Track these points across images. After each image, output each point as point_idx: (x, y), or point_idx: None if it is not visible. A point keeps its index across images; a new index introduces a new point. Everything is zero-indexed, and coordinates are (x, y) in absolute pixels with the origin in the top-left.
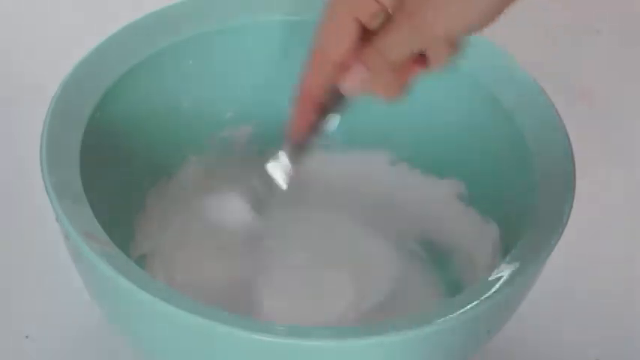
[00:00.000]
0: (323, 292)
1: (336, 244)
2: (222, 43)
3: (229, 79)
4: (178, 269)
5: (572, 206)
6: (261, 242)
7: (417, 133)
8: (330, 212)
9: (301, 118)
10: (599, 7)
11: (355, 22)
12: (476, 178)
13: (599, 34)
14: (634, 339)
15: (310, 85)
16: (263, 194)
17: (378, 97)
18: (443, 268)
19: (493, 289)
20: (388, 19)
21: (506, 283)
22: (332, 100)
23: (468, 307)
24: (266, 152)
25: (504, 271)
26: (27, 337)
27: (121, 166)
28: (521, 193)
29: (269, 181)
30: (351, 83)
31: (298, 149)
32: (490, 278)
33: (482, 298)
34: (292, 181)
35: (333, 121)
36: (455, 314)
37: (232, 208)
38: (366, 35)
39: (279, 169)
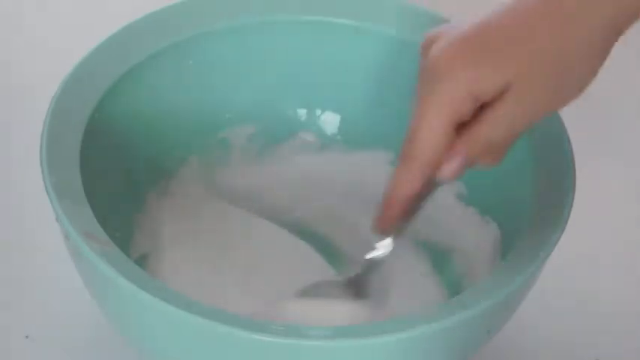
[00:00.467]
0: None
1: (336, 242)
2: (222, 43)
3: (229, 79)
4: (178, 269)
5: (572, 206)
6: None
7: None
8: (330, 212)
9: (390, 218)
10: None
11: (451, 124)
12: (475, 178)
13: None
14: (634, 339)
15: (405, 193)
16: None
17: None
18: (443, 268)
19: (493, 289)
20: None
21: (506, 283)
22: (422, 194)
23: (468, 307)
24: (266, 152)
25: (504, 271)
26: (27, 337)
27: (121, 166)
28: (520, 193)
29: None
30: (450, 174)
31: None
32: (490, 278)
33: (482, 298)
34: (292, 181)
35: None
36: (455, 314)
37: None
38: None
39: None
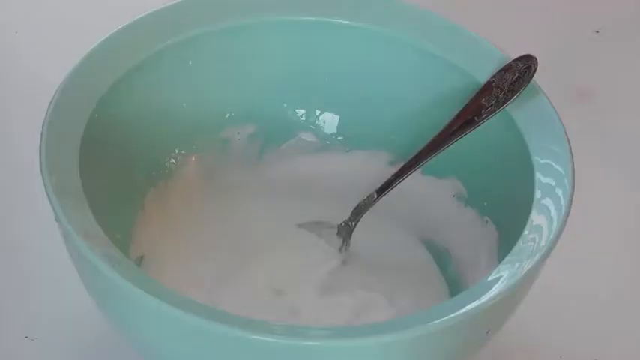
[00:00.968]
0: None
1: (335, 242)
2: (222, 43)
3: (229, 79)
4: (178, 269)
5: (570, 206)
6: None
7: (416, 134)
8: (330, 212)
9: None
10: (599, 7)
11: None
12: (475, 178)
13: (598, 34)
14: (634, 339)
15: None
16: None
17: None
18: (442, 268)
19: (492, 289)
20: None
21: (505, 283)
22: None
23: (468, 307)
24: (266, 152)
25: (503, 271)
26: (26, 337)
27: (121, 167)
28: (519, 194)
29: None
30: None
31: None
32: (489, 278)
33: (482, 298)
34: (292, 181)
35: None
36: (455, 314)
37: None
38: None
39: None
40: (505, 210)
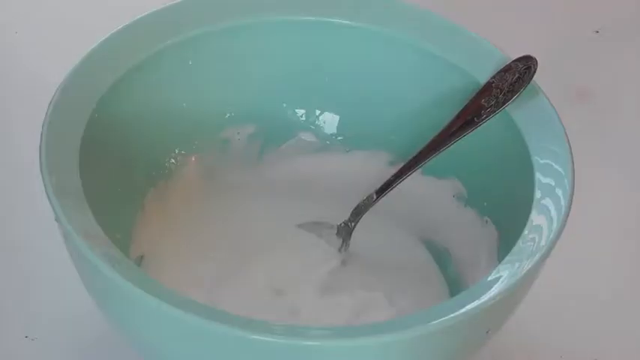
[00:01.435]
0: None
1: (335, 243)
2: (222, 43)
3: (229, 79)
4: (178, 269)
5: (570, 206)
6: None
7: (416, 134)
8: (330, 212)
9: None
10: (599, 7)
11: None
12: (475, 178)
13: (598, 34)
14: (633, 339)
15: None
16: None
17: None
18: (442, 268)
19: (492, 289)
20: None
21: (505, 283)
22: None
23: (468, 307)
24: (266, 152)
25: (503, 271)
26: (26, 337)
27: (121, 167)
28: (519, 194)
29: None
30: None
31: None
32: (489, 278)
33: (482, 298)
34: (292, 181)
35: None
36: (455, 314)
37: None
38: None
39: None
40: (505, 210)
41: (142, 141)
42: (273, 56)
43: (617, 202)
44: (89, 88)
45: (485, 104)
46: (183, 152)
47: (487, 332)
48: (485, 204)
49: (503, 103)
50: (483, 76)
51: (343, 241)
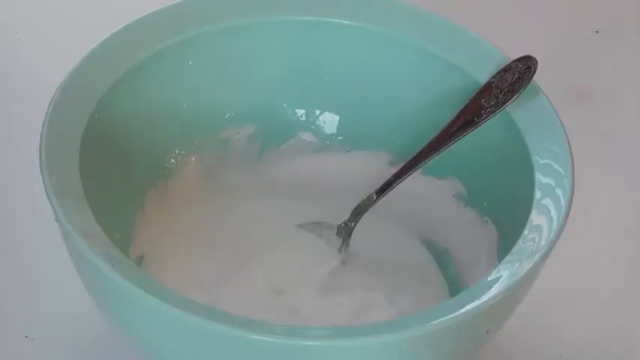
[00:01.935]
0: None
1: (335, 243)
2: (222, 43)
3: (229, 79)
4: (178, 269)
5: (570, 206)
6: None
7: (416, 134)
8: (330, 212)
9: None
10: (599, 7)
11: None
12: (475, 178)
13: (598, 34)
14: (633, 339)
15: None
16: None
17: None
18: (442, 268)
19: (492, 289)
20: None
21: (505, 283)
22: None
23: (468, 307)
24: (266, 152)
25: (503, 271)
26: (26, 337)
27: (121, 167)
28: (519, 194)
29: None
30: None
31: None
32: (489, 278)
33: (482, 298)
34: (292, 181)
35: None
36: (455, 314)
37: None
38: None
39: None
40: (505, 210)
41: (142, 141)
42: (273, 56)
43: (617, 202)
44: (89, 88)
45: (485, 104)
46: (183, 152)
47: (487, 332)
48: (485, 204)
49: (503, 103)
50: (483, 76)
51: (343, 241)
